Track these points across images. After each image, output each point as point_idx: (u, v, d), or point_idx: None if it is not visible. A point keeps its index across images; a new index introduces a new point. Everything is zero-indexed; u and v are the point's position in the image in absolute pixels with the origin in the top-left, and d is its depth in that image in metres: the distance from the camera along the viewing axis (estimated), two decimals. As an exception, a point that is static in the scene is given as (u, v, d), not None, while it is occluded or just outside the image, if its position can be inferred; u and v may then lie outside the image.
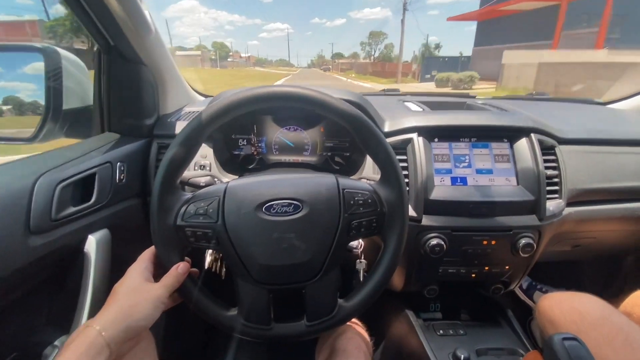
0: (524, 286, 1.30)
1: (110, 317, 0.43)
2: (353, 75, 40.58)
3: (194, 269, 0.55)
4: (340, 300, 0.57)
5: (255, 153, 0.92)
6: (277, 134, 0.92)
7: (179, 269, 0.51)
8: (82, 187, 0.65)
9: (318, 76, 40.71)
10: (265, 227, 0.52)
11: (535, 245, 0.77)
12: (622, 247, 1.10)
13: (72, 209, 0.62)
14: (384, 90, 1.36)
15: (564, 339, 0.49)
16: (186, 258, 0.55)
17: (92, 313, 0.63)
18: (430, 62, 25.04)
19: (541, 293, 1.25)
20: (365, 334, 0.78)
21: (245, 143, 0.92)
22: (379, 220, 0.56)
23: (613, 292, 1.03)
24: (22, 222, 0.53)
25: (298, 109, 0.53)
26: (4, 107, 0.84)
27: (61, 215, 0.59)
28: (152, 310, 0.46)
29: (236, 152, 0.92)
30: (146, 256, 0.52)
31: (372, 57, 75.75)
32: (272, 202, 0.52)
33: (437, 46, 62.22)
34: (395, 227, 0.55)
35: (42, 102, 0.76)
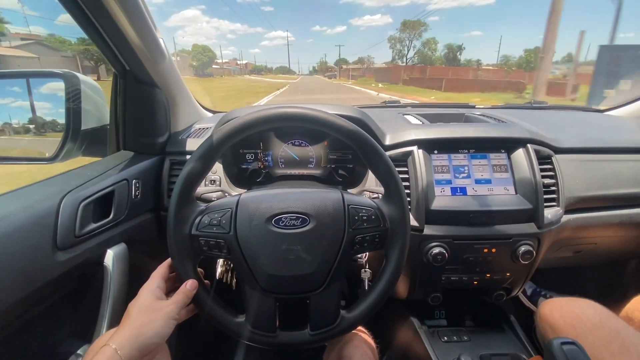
0: (529, 293, 1.31)
1: (126, 336, 0.46)
2: (380, 85, 28.56)
3: (207, 282, 0.59)
4: (342, 312, 0.59)
5: (262, 167, 0.96)
6: (283, 148, 0.96)
7: (188, 285, 0.54)
8: (101, 204, 0.70)
9: (326, 87, 28.87)
10: (274, 238, 0.55)
11: (534, 253, 0.79)
12: (624, 252, 1.11)
13: (93, 225, 0.66)
14: (384, 102, 1.40)
15: (563, 343, 0.51)
16: (199, 270, 0.58)
17: (112, 323, 0.67)
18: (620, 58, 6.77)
19: (545, 299, 1.26)
20: (372, 342, 0.80)
21: (252, 157, 0.96)
22: (382, 236, 0.58)
23: (617, 297, 1.04)
24: (50, 238, 0.57)
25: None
26: (31, 127, 0.89)
27: (84, 232, 0.63)
28: (163, 327, 0.49)
29: (244, 166, 0.96)
30: (158, 274, 0.55)
31: (406, 59, 52.90)
32: (282, 215, 0.56)
33: (460, 48, 51.00)
34: (397, 242, 0.58)
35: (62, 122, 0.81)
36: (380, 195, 0.62)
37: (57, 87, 0.81)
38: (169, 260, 0.57)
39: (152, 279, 0.55)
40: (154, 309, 0.50)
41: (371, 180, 0.88)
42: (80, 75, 0.83)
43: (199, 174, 0.55)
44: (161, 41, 0.75)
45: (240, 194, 0.59)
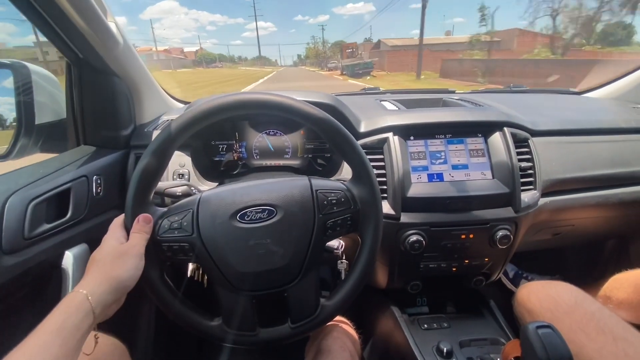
0: (510, 275, 1.33)
1: (96, 281, 0.44)
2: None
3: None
4: (322, 300, 0.58)
5: (236, 158, 0.92)
6: (257, 138, 0.92)
7: (140, 220, 0.51)
8: (56, 203, 0.65)
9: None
10: (240, 235, 0.52)
11: (512, 237, 0.79)
12: (601, 232, 1.12)
13: (46, 226, 0.61)
14: (363, 89, 1.37)
15: (538, 327, 0.51)
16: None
17: None
18: None
19: (527, 281, 1.28)
20: (354, 333, 0.79)
21: (225, 149, 0.92)
22: (354, 218, 0.57)
23: (596, 277, 1.06)
24: None
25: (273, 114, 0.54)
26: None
27: (35, 233, 0.59)
28: (134, 269, 0.48)
29: (217, 159, 0.92)
30: (117, 223, 0.53)
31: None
32: (246, 210, 0.53)
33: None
34: (370, 223, 0.57)
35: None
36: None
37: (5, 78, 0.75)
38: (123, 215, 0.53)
39: (112, 229, 0.52)
40: (121, 252, 0.48)
41: (347, 170, 0.85)
42: (31, 65, 0.78)
43: (155, 171, 0.52)
44: (113, 25, 0.70)
45: (202, 193, 0.56)
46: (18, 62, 0.76)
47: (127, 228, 0.52)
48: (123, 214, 0.53)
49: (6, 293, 0.55)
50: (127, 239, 0.51)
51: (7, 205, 0.55)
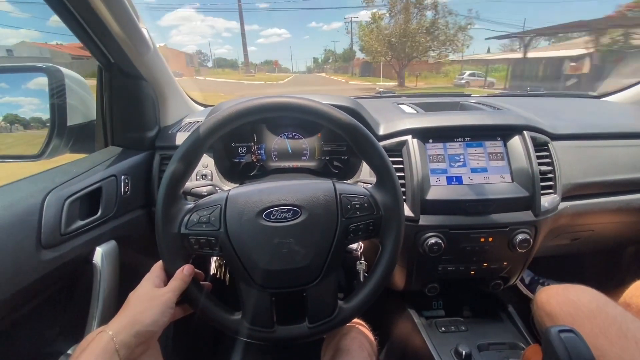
0: (527, 281, 1.31)
1: (122, 323, 0.46)
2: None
3: (199, 271, 0.58)
4: (340, 302, 0.58)
5: (255, 160, 0.95)
6: (276, 140, 0.94)
7: (185, 270, 0.53)
8: (88, 201, 0.68)
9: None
10: (265, 233, 0.53)
11: (531, 241, 0.78)
12: (621, 238, 1.10)
13: (80, 223, 0.64)
14: (379, 92, 1.38)
15: (560, 331, 0.51)
16: (197, 271, 0.57)
17: (102, 322, 0.66)
18: None
19: (543, 287, 1.26)
20: (370, 334, 0.79)
21: (245, 151, 0.94)
22: (376, 224, 0.57)
23: (615, 284, 1.04)
24: (34, 237, 0.55)
25: (295, 117, 0.55)
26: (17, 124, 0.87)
27: (70, 229, 0.61)
28: (160, 315, 0.48)
29: (237, 160, 0.94)
30: (159, 265, 0.55)
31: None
32: (272, 209, 0.54)
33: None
34: (392, 229, 0.57)
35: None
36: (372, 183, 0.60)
37: (41, 82, 0.78)
38: None
39: (152, 270, 0.54)
40: (152, 296, 0.49)
41: (365, 172, 0.86)
42: (65, 70, 0.81)
43: (183, 173, 0.54)
44: (145, 32, 0.73)
45: (230, 190, 0.57)
46: (53, 66, 0.79)
47: (166, 271, 0.54)
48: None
49: (44, 286, 0.58)
50: (165, 282, 0.53)
51: (45, 202, 0.58)
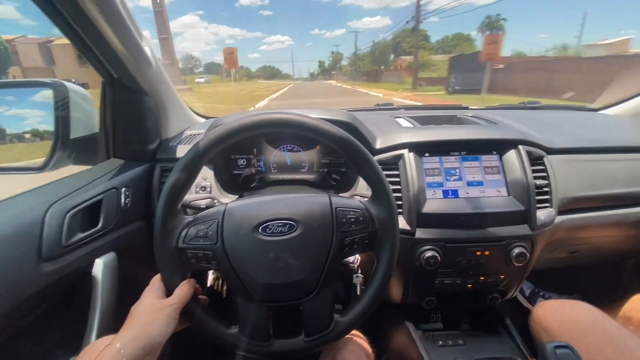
0: (527, 293, 1.30)
1: (129, 336, 0.46)
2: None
3: (197, 285, 0.58)
4: (336, 316, 0.59)
5: (254, 172, 0.96)
6: (275, 153, 0.96)
7: (189, 282, 0.55)
8: (89, 213, 0.69)
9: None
10: (262, 247, 0.54)
11: (528, 254, 0.78)
12: (620, 252, 1.10)
13: (80, 235, 0.65)
14: (377, 105, 1.40)
15: (557, 347, 0.51)
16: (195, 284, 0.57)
17: (100, 333, 0.66)
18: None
19: (544, 300, 1.25)
20: (367, 346, 0.79)
21: (244, 163, 0.95)
22: (371, 237, 0.58)
23: (616, 297, 1.03)
24: (35, 250, 0.56)
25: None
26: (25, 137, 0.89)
27: (71, 242, 0.63)
28: (165, 326, 0.49)
29: (236, 172, 0.96)
30: (158, 277, 0.56)
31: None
32: (268, 223, 0.55)
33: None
34: (386, 243, 0.58)
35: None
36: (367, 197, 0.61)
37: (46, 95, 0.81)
38: None
39: (153, 282, 0.55)
40: (156, 308, 0.50)
41: (362, 185, 0.87)
42: (69, 84, 0.83)
43: (183, 185, 0.55)
44: (147, 49, 0.75)
45: (227, 204, 0.58)
46: (58, 81, 0.82)
47: (166, 283, 0.55)
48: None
49: (43, 298, 0.59)
50: (166, 294, 0.54)
51: (47, 215, 0.60)
